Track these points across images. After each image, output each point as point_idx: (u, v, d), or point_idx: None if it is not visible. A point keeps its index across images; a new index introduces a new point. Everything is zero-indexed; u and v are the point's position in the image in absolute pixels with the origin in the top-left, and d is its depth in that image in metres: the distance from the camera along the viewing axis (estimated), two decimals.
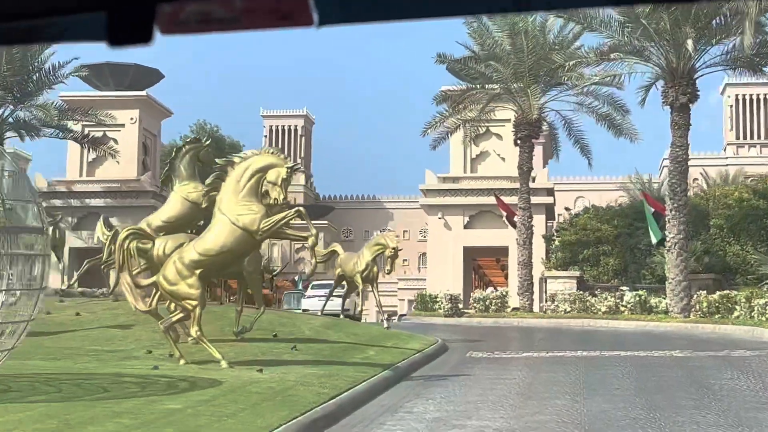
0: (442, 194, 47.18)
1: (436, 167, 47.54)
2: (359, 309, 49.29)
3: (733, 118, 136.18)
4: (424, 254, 57.77)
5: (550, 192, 47.40)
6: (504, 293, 41.57)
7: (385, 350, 21.21)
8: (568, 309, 38.90)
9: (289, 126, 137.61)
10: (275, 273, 68.87)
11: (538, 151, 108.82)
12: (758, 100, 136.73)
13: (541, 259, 45.21)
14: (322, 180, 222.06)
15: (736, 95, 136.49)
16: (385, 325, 27.43)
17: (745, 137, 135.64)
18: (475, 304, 41.26)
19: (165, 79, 62.30)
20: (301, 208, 16.12)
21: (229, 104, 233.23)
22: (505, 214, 42.12)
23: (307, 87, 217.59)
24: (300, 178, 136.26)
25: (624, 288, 38.42)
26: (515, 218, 41.53)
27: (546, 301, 40.42)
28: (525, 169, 41.06)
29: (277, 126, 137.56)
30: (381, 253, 27.51)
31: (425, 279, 48.88)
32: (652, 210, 36.67)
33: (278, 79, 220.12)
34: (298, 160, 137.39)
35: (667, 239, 35.67)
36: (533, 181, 46.89)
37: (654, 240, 37.17)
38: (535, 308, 42.11)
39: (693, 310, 34.33)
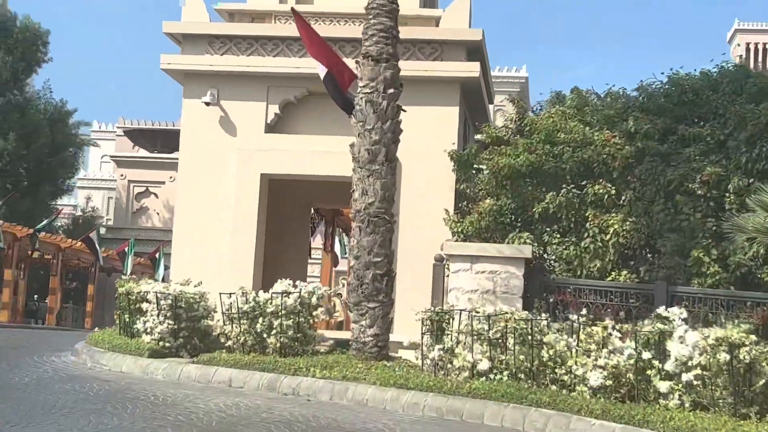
0: (219, 47, 19.48)
1: None
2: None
3: None
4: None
5: (475, 51, 19.35)
6: (324, 296, 14.76)
7: None
8: (485, 366, 12.17)
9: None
10: (39, 226, 41.49)
11: None
12: None
13: (446, 213, 17.90)
14: None
15: None
16: None
17: None
18: (226, 327, 14.58)
19: None
20: None
21: None
22: (323, 71, 14.66)
23: None
24: None
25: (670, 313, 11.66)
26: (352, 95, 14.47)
27: (428, 330, 13.38)
28: None
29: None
30: None
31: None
32: None
33: None
34: None
35: None
36: (436, 24, 19.76)
37: None
38: (402, 341, 15.04)
39: None
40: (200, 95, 19.59)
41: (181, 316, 15.26)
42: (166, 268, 49.04)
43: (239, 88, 19.63)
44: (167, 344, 15.11)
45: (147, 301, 15.53)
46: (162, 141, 58.71)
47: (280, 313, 14.21)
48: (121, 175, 58.50)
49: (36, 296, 47.72)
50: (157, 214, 59.03)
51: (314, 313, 14.44)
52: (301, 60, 19.31)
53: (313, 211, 26.10)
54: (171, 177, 58.34)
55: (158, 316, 15.23)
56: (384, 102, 14.05)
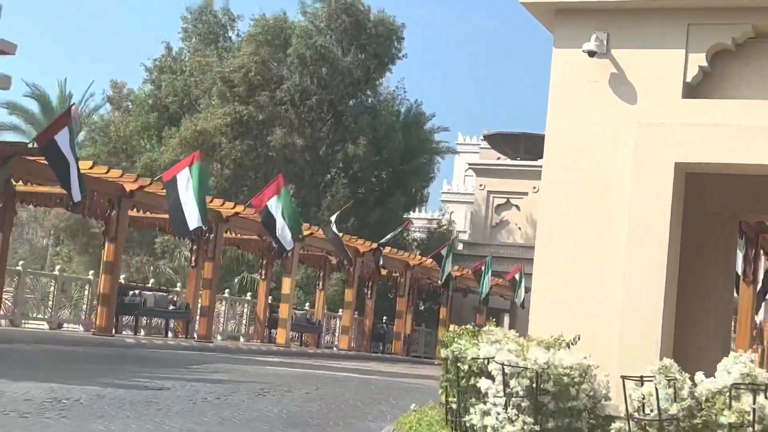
0: None
1: None
2: None
3: None
4: None
5: None
6: None
7: None
8: None
9: None
10: (383, 240, 36.28)
11: None
12: None
13: None
14: None
15: None
16: None
17: None
18: None
19: None
20: None
21: None
22: None
23: None
24: None
25: None
26: None
27: None
28: None
29: None
30: None
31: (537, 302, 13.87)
32: None
33: None
34: None
35: None
36: None
37: None
38: None
39: None
40: (580, 42, 12.52)
41: (546, 408, 8.39)
42: (527, 291, 42.52)
43: (641, 28, 12.36)
44: None
45: (488, 376, 8.78)
46: (525, 146, 52.57)
47: (747, 428, 6.92)
48: (480, 186, 53.00)
49: (385, 318, 43.04)
50: (519, 228, 52.87)
51: None
52: None
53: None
54: (534, 187, 52.01)
55: (506, 406, 8.44)
56: None
